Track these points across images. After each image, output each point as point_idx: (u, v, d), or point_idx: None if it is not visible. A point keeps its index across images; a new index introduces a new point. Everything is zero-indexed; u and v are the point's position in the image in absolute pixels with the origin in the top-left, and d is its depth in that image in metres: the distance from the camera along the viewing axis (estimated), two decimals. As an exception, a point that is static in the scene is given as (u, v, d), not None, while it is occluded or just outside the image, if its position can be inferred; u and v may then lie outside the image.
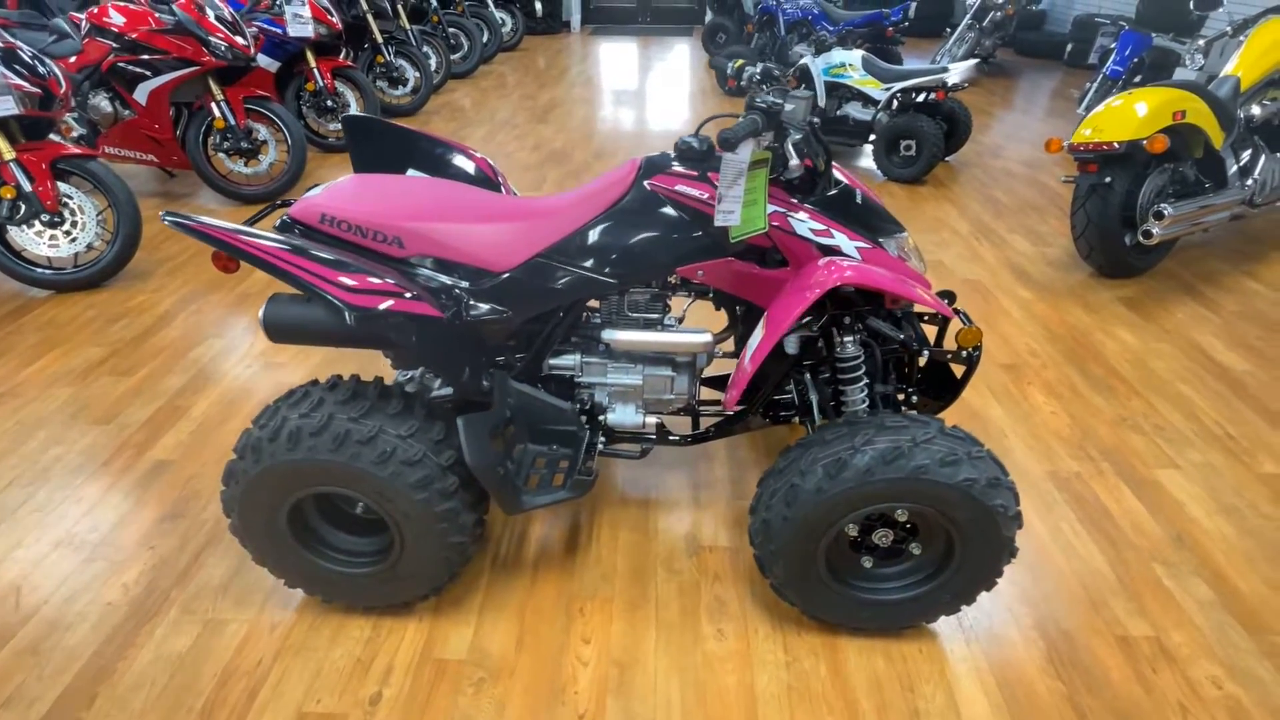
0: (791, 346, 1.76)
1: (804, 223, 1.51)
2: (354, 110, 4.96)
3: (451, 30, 7.31)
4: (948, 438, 1.40)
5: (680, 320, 1.85)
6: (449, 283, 1.62)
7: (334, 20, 4.67)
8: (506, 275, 1.62)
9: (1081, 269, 3.41)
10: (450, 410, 1.66)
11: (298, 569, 1.62)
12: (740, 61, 1.70)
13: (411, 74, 5.92)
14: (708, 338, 1.68)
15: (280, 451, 1.44)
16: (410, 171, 1.93)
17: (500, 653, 1.61)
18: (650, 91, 7.08)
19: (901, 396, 1.84)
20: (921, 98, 4.57)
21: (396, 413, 1.49)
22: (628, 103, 6.62)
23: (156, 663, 1.59)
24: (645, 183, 1.54)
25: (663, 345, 1.69)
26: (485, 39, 7.87)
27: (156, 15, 3.73)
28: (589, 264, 1.58)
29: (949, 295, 1.85)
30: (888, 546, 1.54)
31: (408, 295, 1.44)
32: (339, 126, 4.94)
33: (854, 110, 4.75)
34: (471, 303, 1.62)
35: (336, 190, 1.63)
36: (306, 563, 1.61)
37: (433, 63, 6.66)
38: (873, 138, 4.67)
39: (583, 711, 1.49)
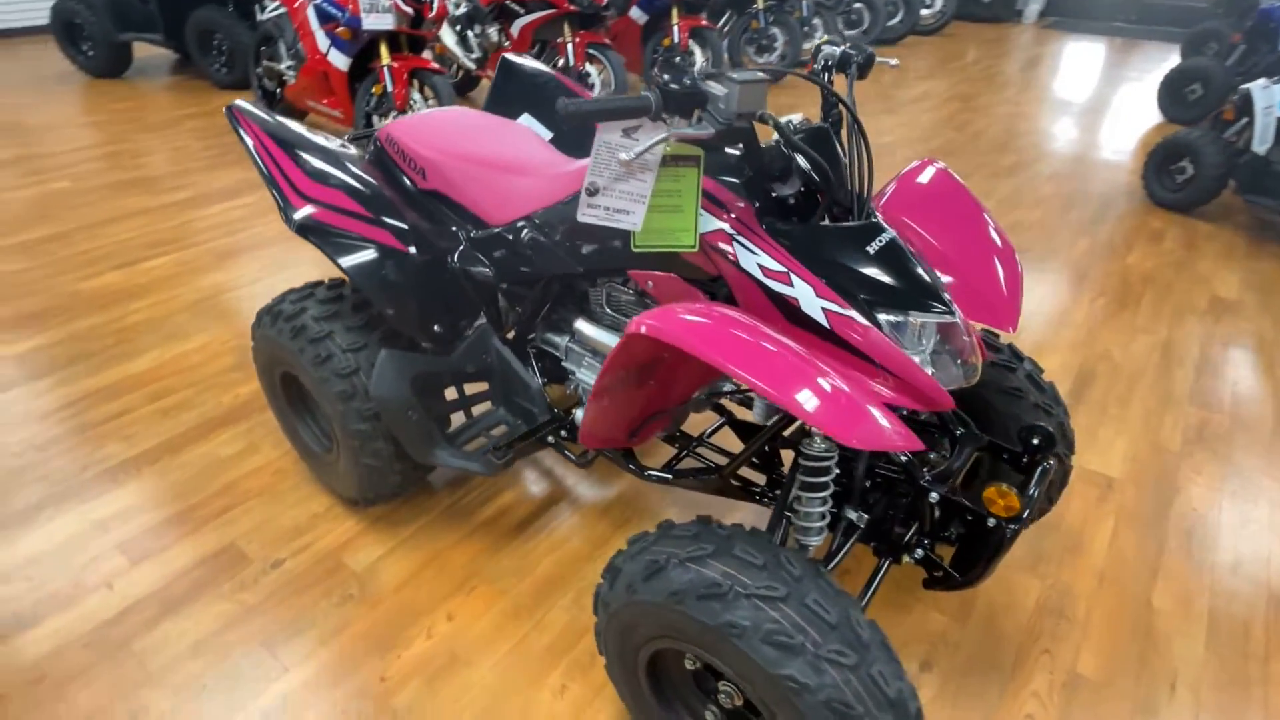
0: (759, 414, 1.36)
1: (755, 255, 1.11)
2: (699, 64, 5.10)
3: (856, 5, 6.94)
4: (803, 610, 0.95)
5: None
6: (450, 225, 1.61)
7: (702, -18, 4.81)
8: (497, 231, 1.54)
9: None
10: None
11: (289, 425, 1.86)
12: (824, 38, 1.29)
13: (781, 41, 5.82)
14: (665, 364, 1.39)
15: (264, 326, 1.64)
16: (524, 118, 1.94)
17: (382, 585, 1.64)
18: (1082, 107, 5.80)
19: (916, 545, 1.29)
20: None
21: (355, 326, 1.57)
22: (1034, 115, 5.55)
23: (203, 456, 2.00)
24: None
25: (619, 354, 1.45)
26: (897, 19, 7.30)
27: (543, -37, 4.31)
28: (559, 239, 1.41)
29: (1043, 435, 1.20)
30: (733, 710, 1.14)
31: (367, 219, 1.48)
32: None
33: (1314, 166, 3.24)
34: (462, 250, 1.59)
35: (416, 117, 1.73)
36: (292, 422, 1.84)
37: (819, 35, 6.44)
38: (1328, 210, 3.15)
39: (383, 675, 1.45)
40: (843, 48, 1.25)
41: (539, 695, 1.42)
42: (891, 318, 1.08)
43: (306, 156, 1.53)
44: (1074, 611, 1.62)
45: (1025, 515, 1.14)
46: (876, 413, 0.93)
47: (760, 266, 1.11)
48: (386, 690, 1.43)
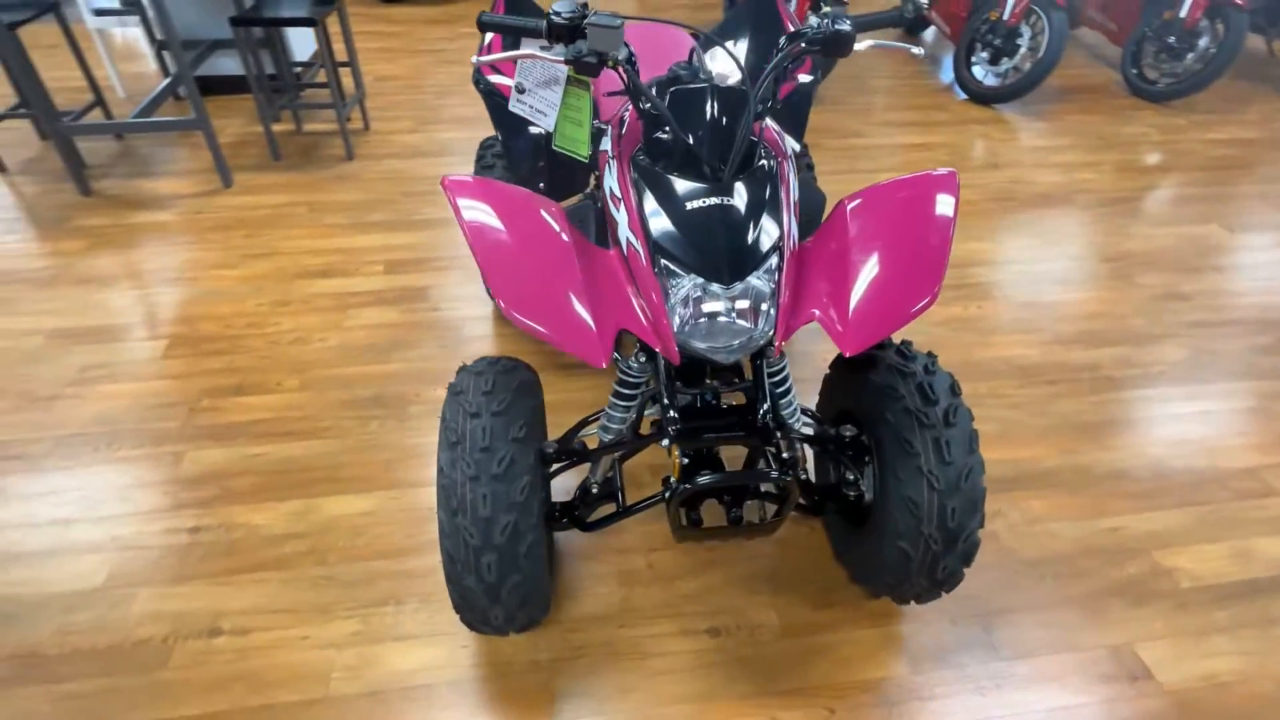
0: None
1: (610, 177, 1.29)
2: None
3: None
4: (475, 429, 1.23)
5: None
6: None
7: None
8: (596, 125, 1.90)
9: None
10: None
11: None
12: (826, 9, 1.22)
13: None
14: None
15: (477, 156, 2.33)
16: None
17: (471, 350, 2.31)
18: None
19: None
20: None
21: (508, 168, 2.14)
22: None
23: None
24: None
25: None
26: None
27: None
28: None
29: (786, 479, 1.13)
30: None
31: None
32: (1181, 70, 4.11)
33: None
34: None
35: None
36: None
37: None
38: None
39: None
40: (822, 21, 1.23)
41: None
42: (670, 269, 1.18)
43: (511, 37, 2.07)
44: (907, 718, 1.43)
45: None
46: (577, 320, 1.13)
47: (609, 188, 1.30)
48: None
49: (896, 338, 2.40)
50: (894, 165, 3.49)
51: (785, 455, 1.26)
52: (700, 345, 1.18)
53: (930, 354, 1.39)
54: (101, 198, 3.09)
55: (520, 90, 1.38)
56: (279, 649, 1.52)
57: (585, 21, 1.16)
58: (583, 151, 1.37)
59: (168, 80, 3.37)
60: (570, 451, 1.42)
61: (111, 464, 1.91)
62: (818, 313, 1.24)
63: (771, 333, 1.20)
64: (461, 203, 1.22)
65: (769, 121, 1.46)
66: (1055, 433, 2.07)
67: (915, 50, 1.29)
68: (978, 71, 4.20)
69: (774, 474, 1.24)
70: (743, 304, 1.18)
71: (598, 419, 1.54)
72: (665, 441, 1.28)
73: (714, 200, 1.19)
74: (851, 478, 1.52)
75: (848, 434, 1.47)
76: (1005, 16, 3.97)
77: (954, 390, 1.34)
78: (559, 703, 1.43)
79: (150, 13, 3.65)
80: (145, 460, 1.92)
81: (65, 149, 2.98)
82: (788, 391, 1.45)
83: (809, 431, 1.49)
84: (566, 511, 1.50)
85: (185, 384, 2.16)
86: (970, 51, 4.22)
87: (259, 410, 2.08)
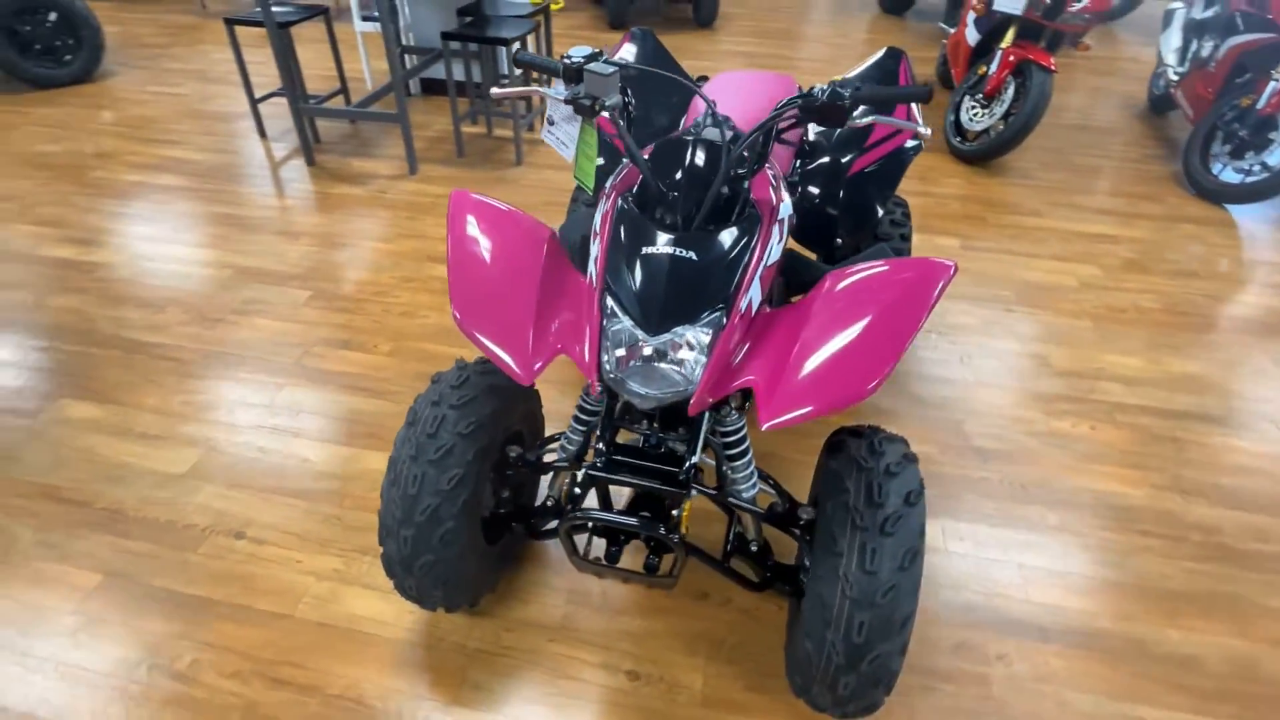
0: None
1: (599, 210, 1.34)
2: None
3: None
4: (432, 417, 1.38)
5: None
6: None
7: None
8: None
9: None
10: None
11: None
12: (839, 77, 1.15)
13: None
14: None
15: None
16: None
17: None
18: None
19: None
20: None
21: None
22: None
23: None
24: None
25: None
26: None
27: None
28: None
29: (674, 550, 1.10)
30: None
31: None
32: None
33: None
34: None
35: (732, 74, 2.17)
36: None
37: None
38: None
39: (477, 380, 2.34)
40: (826, 88, 1.20)
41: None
42: (613, 308, 1.22)
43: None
44: (792, 831, 1.32)
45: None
46: (516, 338, 1.23)
47: (594, 222, 1.36)
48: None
49: (978, 427, 2.16)
50: (1060, 253, 3.11)
51: (675, 512, 1.24)
52: (628, 387, 1.20)
53: (908, 455, 1.28)
54: (320, 169, 3.72)
55: (551, 122, 1.50)
56: (276, 564, 1.77)
57: (590, 67, 1.25)
58: (590, 184, 1.45)
59: (389, 79, 3.97)
60: (526, 461, 1.50)
61: (231, 381, 2.33)
62: (753, 378, 1.20)
63: (693, 389, 1.19)
64: (455, 216, 1.36)
65: (783, 188, 1.43)
66: (1122, 591, 1.74)
67: (923, 130, 1.21)
68: (1215, 165, 3.59)
69: (660, 529, 1.22)
70: (681, 354, 1.18)
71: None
72: (582, 470, 1.32)
73: (668, 250, 1.21)
74: (808, 563, 1.44)
75: (804, 516, 1.39)
76: (1260, 105, 3.36)
77: (910, 500, 1.22)
78: (465, 690, 1.51)
79: (401, 21, 4.33)
80: (254, 385, 2.32)
81: (302, 126, 3.64)
82: (743, 454, 1.41)
83: (762, 504, 1.43)
84: (522, 516, 1.58)
85: (309, 330, 2.56)
86: (1209, 140, 3.62)
87: (353, 365, 2.41)
